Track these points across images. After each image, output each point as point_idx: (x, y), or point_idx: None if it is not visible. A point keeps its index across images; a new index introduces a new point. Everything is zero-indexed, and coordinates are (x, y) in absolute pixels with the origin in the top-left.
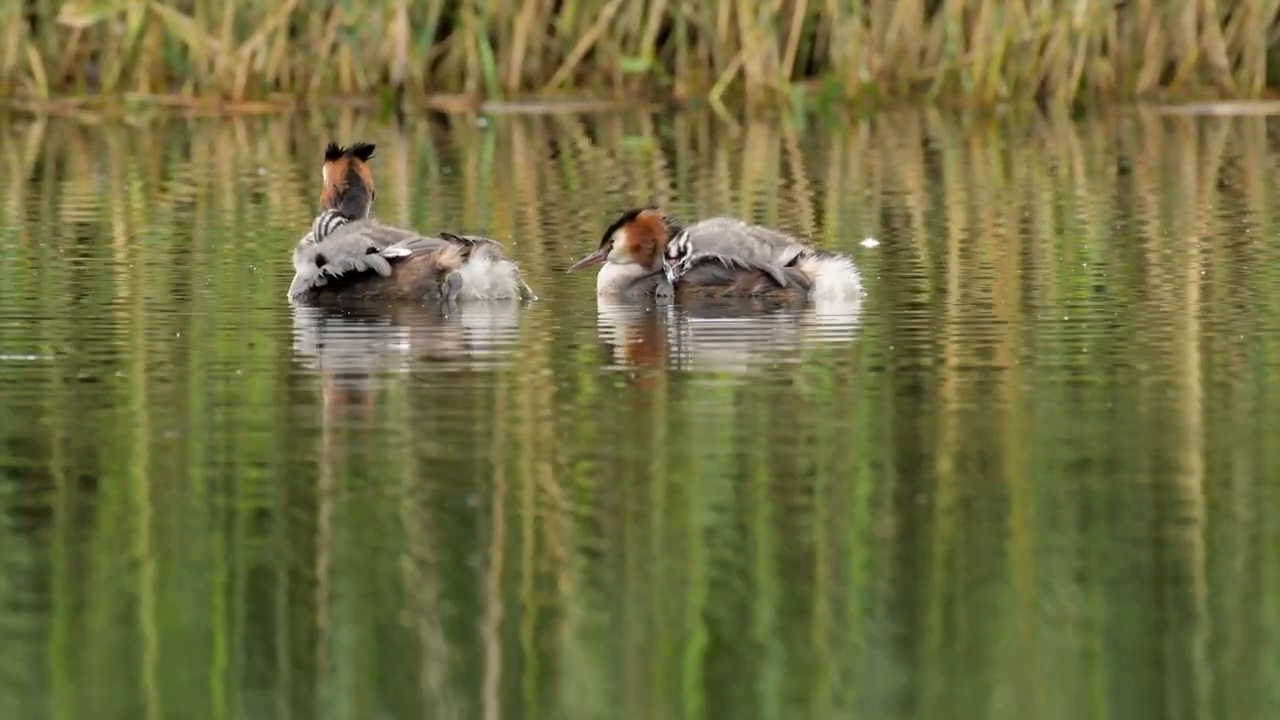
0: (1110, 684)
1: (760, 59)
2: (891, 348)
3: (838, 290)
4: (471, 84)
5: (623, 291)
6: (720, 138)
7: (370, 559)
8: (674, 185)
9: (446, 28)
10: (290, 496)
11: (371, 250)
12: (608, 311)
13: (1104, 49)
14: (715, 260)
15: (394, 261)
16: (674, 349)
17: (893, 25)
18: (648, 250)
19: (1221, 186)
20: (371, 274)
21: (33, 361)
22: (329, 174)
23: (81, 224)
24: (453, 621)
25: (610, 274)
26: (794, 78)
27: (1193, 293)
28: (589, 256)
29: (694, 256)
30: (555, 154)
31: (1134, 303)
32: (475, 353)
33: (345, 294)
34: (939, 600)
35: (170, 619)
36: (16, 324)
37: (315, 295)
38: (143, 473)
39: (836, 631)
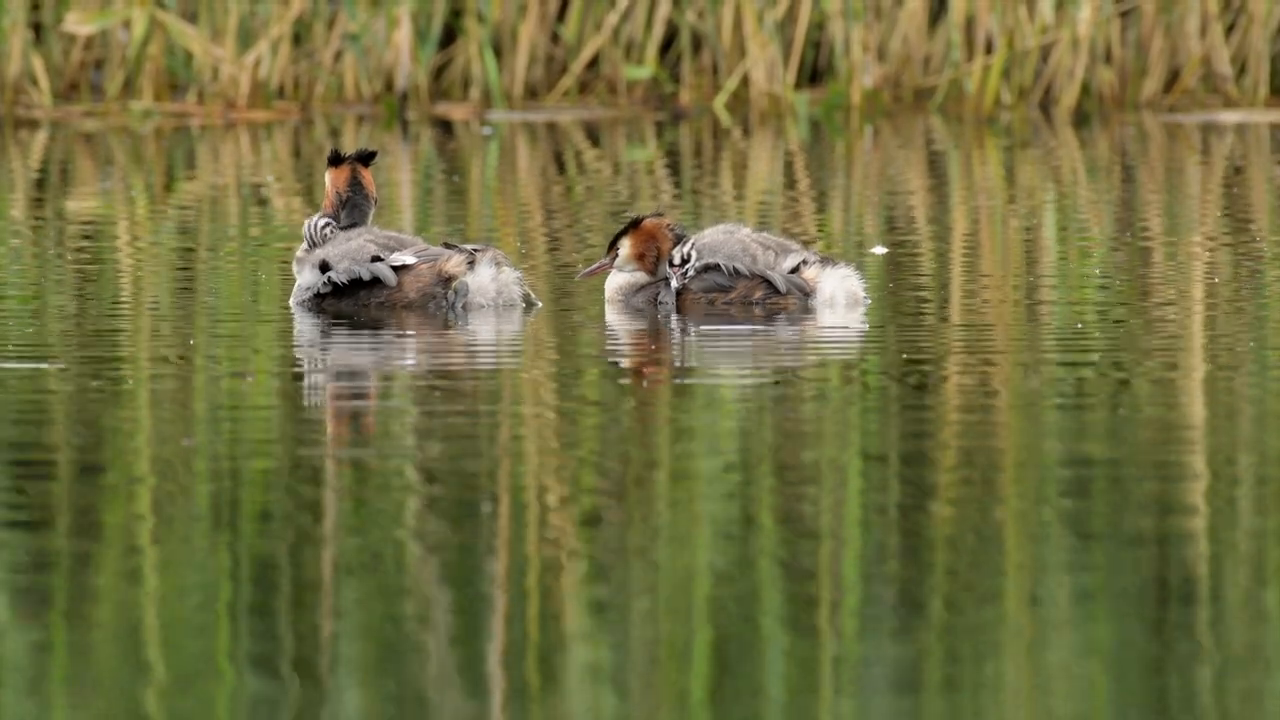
0: (1111, 684)
1: (764, 66)
2: (889, 354)
3: (839, 297)
4: (475, 92)
5: (629, 299)
6: (724, 145)
7: (375, 564)
8: (678, 193)
9: (450, 36)
10: (295, 502)
11: (376, 258)
12: (609, 319)
13: (1108, 57)
14: (717, 267)
15: (399, 270)
16: (671, 354)
17: (896, 33)
18: (652, 257)
19: (1226, 194)
20: (377, 282)
21: (37, 369)
22: (331, 180)
23: (86, 237)
24: (457, 617)
25: (617, 281)
26: (798, 85)
27: (1197, 302)
28: (595, 265)
29: (697, 264)
30: (559, 162)
31: (1139, 310)
32: (480, 359)
33: (350, 301)
34: (940, 599)
35: (174, 623)
36: (20, 330)
37: (318, 302)
38: (150, 478)
39: (839, 622)
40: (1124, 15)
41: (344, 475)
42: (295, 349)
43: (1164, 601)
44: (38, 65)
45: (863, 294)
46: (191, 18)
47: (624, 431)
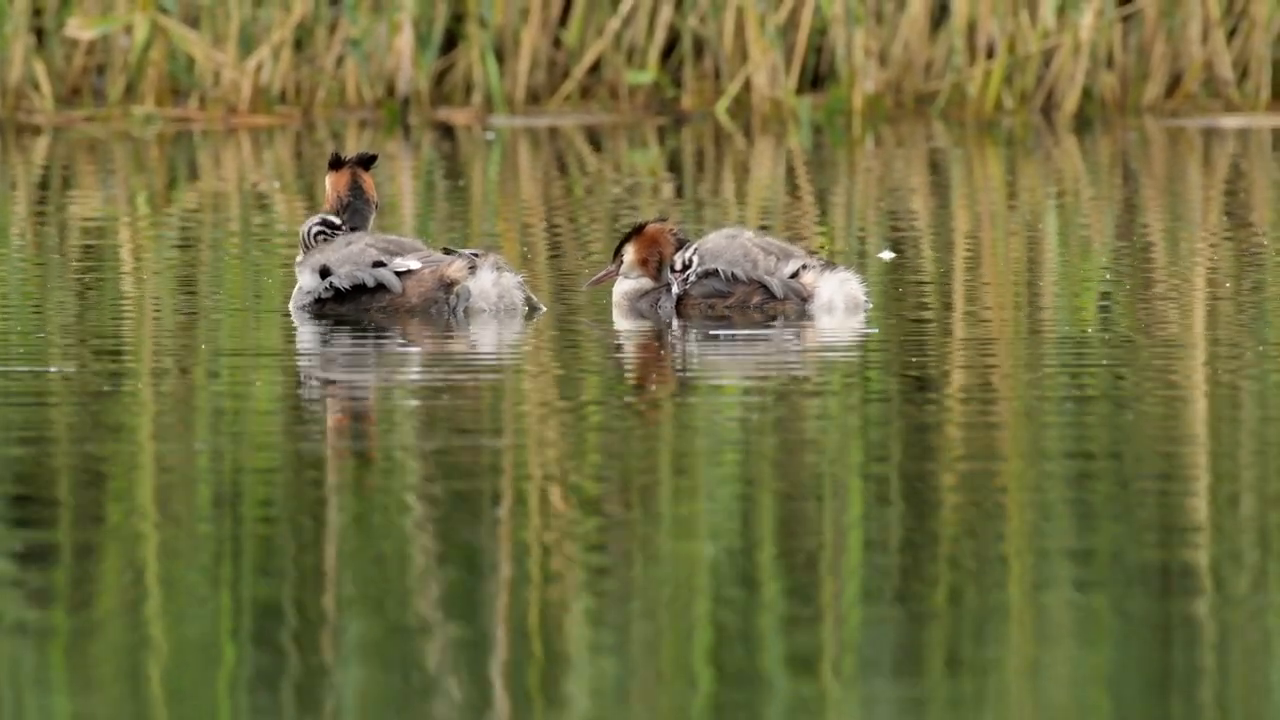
0: (1112, 683)
1: (766, 71)
2: (885, 360)
3: (838, 302)
4: (477, 97)
5: (634, 304)
6: (726, 150)
7: (378, 568)
8: (680, 198)
9: (452, 41)
10: (297, 506)
11: (379, 263)
12: (609, 324)
13: (1109, 61)
14: (716, 273)
15: (401, 275)
16: (665, 360)
17: (898, 38)
18: (654, 263)
19: (1228, 198)
20: (380, 287)
21: (39, 374)
22: (332, 184)
23: (89, 246)
24: (459, 613)
25: (623, 287)
26: (800, 90)
27: (1199, 307)
28: (601, 273)
29: (698, 269)
30: (561, 167)
31: (1141, 315)
32: (482, 364)
33: (351, 306)
34: (942, 601)
35: (177, 631)
36: (22, 336)
37: (319, 307)
38: (153, 487)
39: (841, 614)
40: (1125, 20)
41: (344, 472)
42: (297, 353)
43: (1167, 619)
44: (40, 70)
45: (864, 298)
46: (193, 23)
47: (616, 438)
